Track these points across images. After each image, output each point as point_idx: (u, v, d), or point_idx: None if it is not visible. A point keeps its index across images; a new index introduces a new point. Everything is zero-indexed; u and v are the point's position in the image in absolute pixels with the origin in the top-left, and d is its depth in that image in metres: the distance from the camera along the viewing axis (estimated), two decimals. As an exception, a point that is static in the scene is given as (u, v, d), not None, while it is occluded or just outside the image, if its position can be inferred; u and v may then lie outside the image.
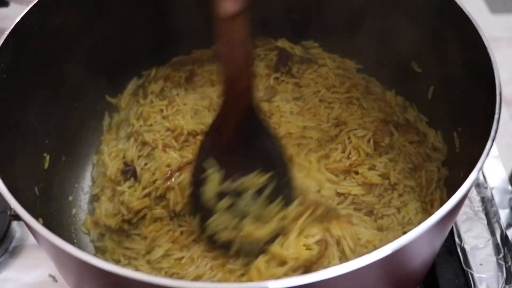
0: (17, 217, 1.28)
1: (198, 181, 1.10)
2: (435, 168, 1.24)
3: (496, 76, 0.92)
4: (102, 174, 1.35)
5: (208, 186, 1.08)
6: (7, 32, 1.05)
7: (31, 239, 1.33)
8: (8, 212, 1.29)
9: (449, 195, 1.15)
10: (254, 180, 1.07)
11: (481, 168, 0.83)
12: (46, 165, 1.23)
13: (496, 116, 0.87)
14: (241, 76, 0.94)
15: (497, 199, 1.32)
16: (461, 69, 1.10)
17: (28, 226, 0.87)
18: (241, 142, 1.04)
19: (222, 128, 1.04)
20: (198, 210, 1.14)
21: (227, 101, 0.99)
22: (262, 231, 1.07)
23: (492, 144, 0.85)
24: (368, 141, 1.29)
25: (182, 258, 1.16)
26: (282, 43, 1.47)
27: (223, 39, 0.89)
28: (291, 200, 1.13)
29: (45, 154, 1.22)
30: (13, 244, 1.32)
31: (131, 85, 1.48)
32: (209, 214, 1.10)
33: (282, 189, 1.10)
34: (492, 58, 0.95)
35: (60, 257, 0.86)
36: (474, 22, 1.01)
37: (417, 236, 0.75)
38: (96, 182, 1.36)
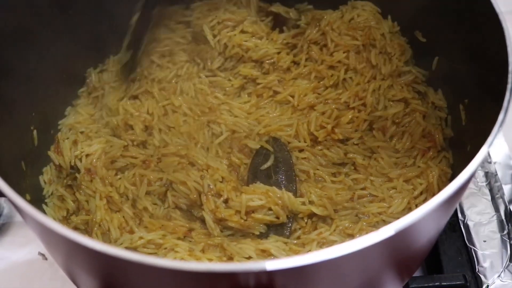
0: (3, 194, 1.23)
1: None
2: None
3: (508, 44, 0.88)
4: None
5: None
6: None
7: (19, 216, 1.28)
8: (-5, 189, 1.24)
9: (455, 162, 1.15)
10: None
11: (492, 141, 0.79)
12: (35, 142, 1.20)
13: (509, 86, 0.83)
14: None
15: (500, 174, 1.29)
16: (469, 39, 1.07)
17: (13, 204, 0.83)
18: None
19: None
20: None
21: None
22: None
23: (504, 116, 0.81)
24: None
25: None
26: (277, 8, 1.43)
27: None
28: None
29: (31, 127, 1.18)
30: (0, 221, 1.29)
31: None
32: None
33: None
34: (504, 25, 0.90)
35: (48, 235, 0.83)
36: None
37: (422, 215, 0.73)
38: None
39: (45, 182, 1.21)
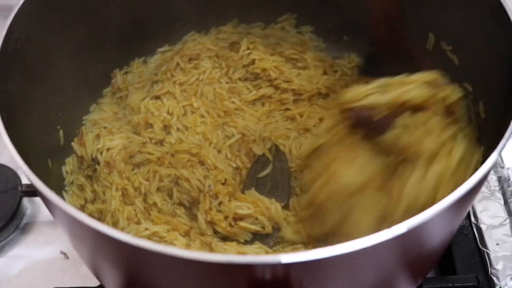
0: (28, 194, 1.27)
1: None
2: None
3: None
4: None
5: None
6: (21, 2, 1.04)
7: (42, 216, 1.32)
8: (19, 189, 1.27)
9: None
10: None
11: (504, 145, 0.81)
12: (62, 141, 1.24)
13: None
14: None
15: (512, 179, 1.30)
16: (482, 41, 1.08)
17: (42, 198, 0.86)
18: None
19: None
20: None
21: None
22: None
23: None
24: None
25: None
26: None
27: None
28: None
29: (58, 127, 1.23)
30: (24, 221, 1.31)
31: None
32: None
33: None
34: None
35: (75, 228, 0.85)
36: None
37: (433, 215, 0.74)
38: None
39: (67, 172, 1.25)
